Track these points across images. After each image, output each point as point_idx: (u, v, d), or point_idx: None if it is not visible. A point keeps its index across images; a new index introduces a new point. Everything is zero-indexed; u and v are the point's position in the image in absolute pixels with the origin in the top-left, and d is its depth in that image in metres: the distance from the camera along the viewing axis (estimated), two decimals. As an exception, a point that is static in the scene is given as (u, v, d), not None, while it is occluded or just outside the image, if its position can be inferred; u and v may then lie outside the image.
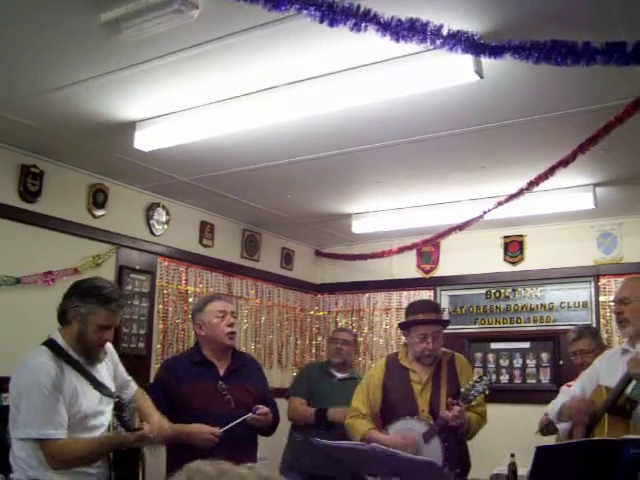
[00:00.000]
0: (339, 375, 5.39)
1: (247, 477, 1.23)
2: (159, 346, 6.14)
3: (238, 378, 4.14)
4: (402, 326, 4.42)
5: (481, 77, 3.48)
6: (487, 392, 4.08)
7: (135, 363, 5.52)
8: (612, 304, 4.22)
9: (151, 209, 6.15)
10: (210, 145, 4.77)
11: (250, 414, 3.93)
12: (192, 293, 6.53)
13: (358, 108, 4.05)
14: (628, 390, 3.33)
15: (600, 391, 3.51)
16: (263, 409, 3.98)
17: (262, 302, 7.40)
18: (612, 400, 3.32)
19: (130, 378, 3.69)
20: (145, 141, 4.57)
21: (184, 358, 4.29)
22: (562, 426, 3.71)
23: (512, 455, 5.57)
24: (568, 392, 3.86)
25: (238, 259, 7.13)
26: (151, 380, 5.87)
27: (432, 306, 4.49)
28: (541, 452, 2.83)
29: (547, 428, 4.62)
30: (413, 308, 4.39)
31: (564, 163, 4.60)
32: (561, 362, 6.56)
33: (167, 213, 6.28)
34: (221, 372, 4.12)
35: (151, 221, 6.14)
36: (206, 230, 6.73)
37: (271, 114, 4.12)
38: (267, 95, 3.96)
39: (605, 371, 3.63)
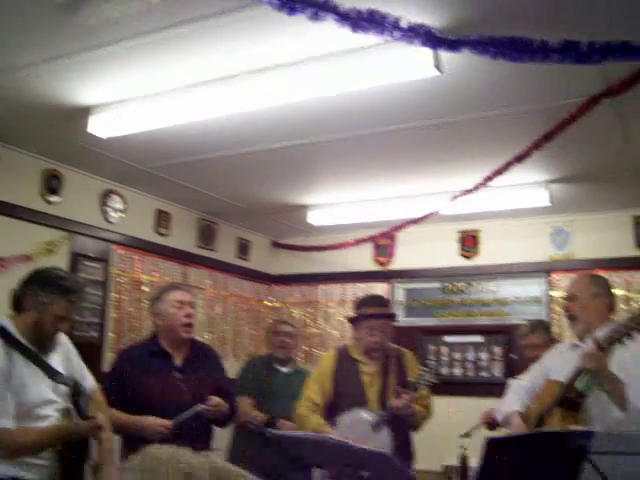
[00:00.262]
0: (284, 370, 5.36)
1: (201, 465, 1.23)
2: (112, 335, 6.07)
3: (195, 369, 4.09)
4: (351, 320, 4.45)
5: (440, 72, 3.50)
6: (434, 382, 4.12)
7: (88, 352, 5.39)
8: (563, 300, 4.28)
9: (106, 196, 6.07)
10: (168, 133, 4.73)
11: (201, 406, 3.89)
12: (147, 282, 6.47)
13: (317, 99, 4.05)
14: (579, 384, 3.38)
15: (550, 385, 3.57)
16: (214, 400, 3.93)
17: (217, 292, 7.37)
18: (563, 393, 3.37)
19: (87, 374, 3.62)
20: (102, 127, 4.50)
21: (141, 347, 4.23)
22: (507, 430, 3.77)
23: (462, 447, 5.62)
24: (519, 387, 3.91)
25: (194, 248, 7.09)
26: (104, 369, 5.82)
27: (380, 301, 4.50)
28: (490, 444, 2.86)
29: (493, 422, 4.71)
30: (362, 303, 4.43)
31: (519, 159, 4.66)
32: (514, 356, 6.64)
33: (123, 201, 6.22)
34: (177, 362, 4.07)
35: (106, 208, 6.07)
36: (162, 219, 6.68)
37: (230, 103, 4.09)
38: (226, 84, 3.93)
39: (555, 366, 3.68)
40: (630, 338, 3.26)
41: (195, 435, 3.78)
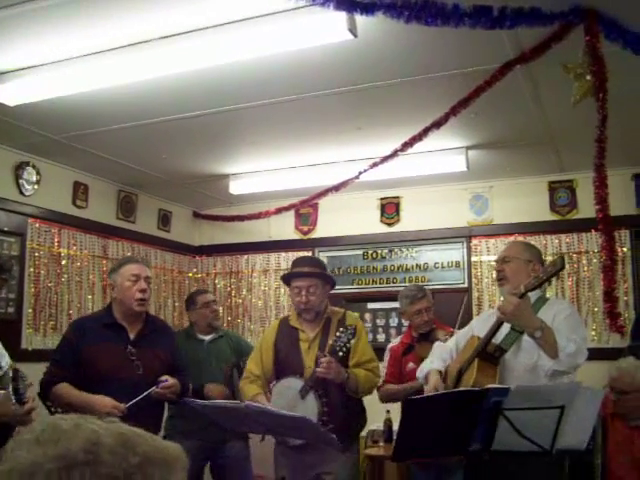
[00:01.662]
0: (207, 338, 5.31)
1: (101, 432, 1.20)
2: (30, 310, 5.93)
3: (148, 343, 4.06)
4: (284, 282, 4.44)
5: (355, 36, 3.50)
6: (352, 342, 4.02)
7: (5, 328, 5.35)
8: (494, 263, 4.37)
9: (20, 168, 5.89)
10: (81, 101, 4.60)
11: (154, 388, 3.85)
12: (65, 256, 6.33)
13: (231, 65, 4.00)
14: (498, 339, 3.46)
15: (472, 341, 3.64)
16: (167, 382, 3.91)
17: (139, 264, 7.25)
18: (483, 345, 3.44)
19: (4, 352, 3.53)
20: (9, 95, 4.35)
21: (95, 319, 4.19)
22: (427, 387, 3.82)
23: (388, 411, 5.73)
24: (441, 348, 3.97)
25: (114, 220, 6.96)
26: (23, 346, 5.71)
27: (308, 260, 4.50)
28: (409, 404, 2.92)
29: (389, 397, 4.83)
30: (293, 263, 4.44)
31: (437, 125, 4.69)
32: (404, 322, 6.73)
33: (37, 173, 6.03)
34: (131, 336, 4.03)
35: (20, 181, 5.88)
36: (79, 191, 6.52)
37: (144, 69, 4.01)
38: (138, 50, 3.83)
39: (479, 327, 3.77)
40: (549, 284, 3.35)
41: (146, 415, 3.70)
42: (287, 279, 4.35)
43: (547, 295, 4.05)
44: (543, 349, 3.30)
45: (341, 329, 4.02)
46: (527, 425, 2.84)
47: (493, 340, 3.47)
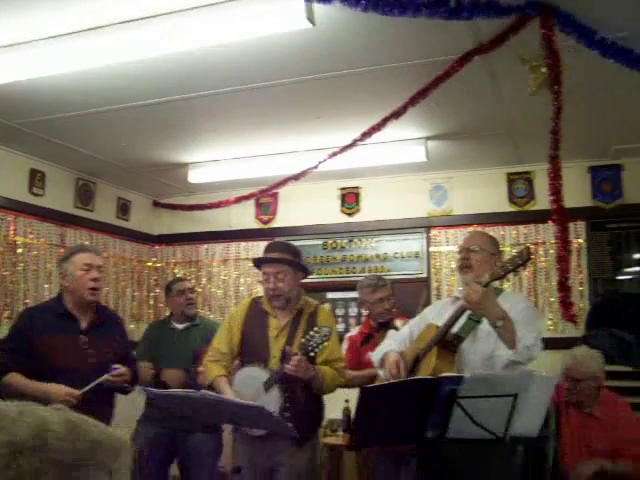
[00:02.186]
0: (180, 326, 5.30)
1: (48, 418, 1.19)
2: (-16, 300, 5.86)
3: (101, 333, 4.04)
4: (255, 266, 4.29)
5: (313, 24, 3.49)
6: (325, 344, 3.87)
7: (-43, 318, 5.27)
8: (453, 253, 4.40)
9: (-26, 155, 5.80)
10: (37, 87, 4.53)
11: (106, 375, 3.83)
12: (22, 244, 6.24)
13: (191, 53, 3.97)
14: (456, 328, 3.50)
15: (428, 328, 3.66)
16: (119, 369, 3.89)
17: (97, 254, 7.18)
18: (443, 333, 3.47)
19: None
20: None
21: (46, 308, 4.14)
22: (381, 372, 3.83)
23: (346, 401, 5.74)
24: (396, 335, 4.00)
25: (71, 209, 6.86)
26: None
27: (279, 246, 4.30)
28: (365, 392, 2.93)
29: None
30: (266, 247, 4.29)
31: (395, 115, 4.71)
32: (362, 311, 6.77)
33: (-8, 160, 5.95)
34: (83, 326, 4.00)
35: (-25, 168, 5.80)
36: (36, 178, 6.42)
37: (102, 55, 3.93)
38: (97, 35, 3.76)
39: (434, 315, 3.80)
40: (516, 273, 3.38)
41: (98, 403, 3.69)
42: (258, 264, 4.23)
43: (504, 287, 4.11)
44: (502, 339, 3.33)
45: (315, 329, 3.85)
46: (481, 413, 2.87)
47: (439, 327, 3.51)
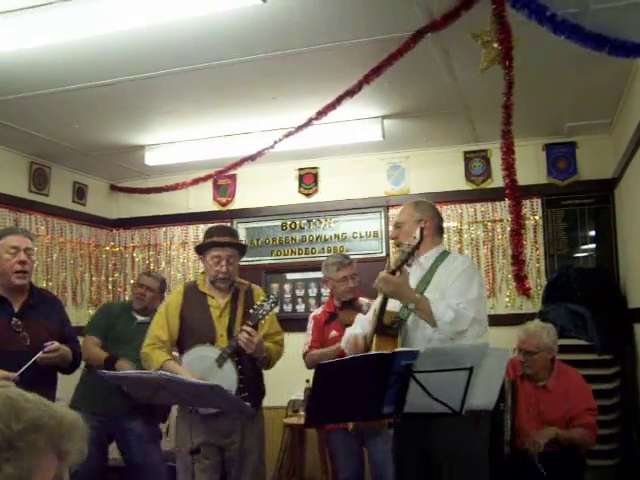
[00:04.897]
0: (140, 318, 5.29)
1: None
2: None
3: (34, 315, 4.00)
4: (198, 250, 4.40)
5: (264, 1, 3.46)
6: (275, 310, 4.12)
7: None
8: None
9: None
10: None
11: (40, 353, 3.78)
12: (-26, 230, 6.13)
13: (143, 30, 3.92)
14: (397, 309, 3.51)
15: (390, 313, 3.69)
16: (52, 345, 3.84)
17: (53, 239, 7.08)
18: (377, 321, 3.48)
19: None
20: None
21: None
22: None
23: (307, 381, 5.75)
24: (363, 318, 4.01)
25: (25, 194, 6.75)
26: None
27: (227, 230, 4.48)
28: (322, 368, 2.94)
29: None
30: (209, 232, 4.39)
31: (350, 93, 4.69)
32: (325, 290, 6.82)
33: (-60, 143, 5.82)
34: (16, 308, 3.96)
35: None
36: (-12, 163, 6.32)
37: (52, 32, 3.86)
38: (46, 10, 3.65)
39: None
40: (414, 259, 3.44)
41: (39, 384, 3.64)
42: (205, 248, 4.29)
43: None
44: (421, 318, 3.40)
45: (262, 298, 4.10)
46: (437, 387, 2.89)
47: (394, 309, 3.53)
